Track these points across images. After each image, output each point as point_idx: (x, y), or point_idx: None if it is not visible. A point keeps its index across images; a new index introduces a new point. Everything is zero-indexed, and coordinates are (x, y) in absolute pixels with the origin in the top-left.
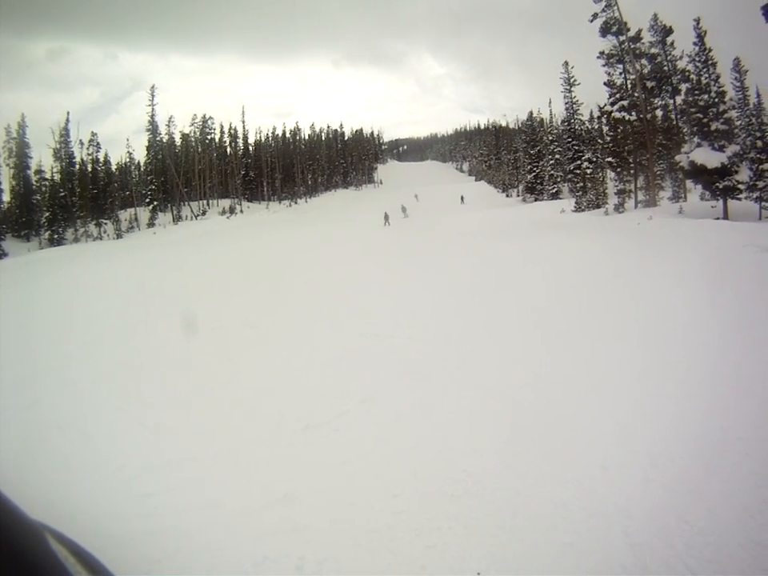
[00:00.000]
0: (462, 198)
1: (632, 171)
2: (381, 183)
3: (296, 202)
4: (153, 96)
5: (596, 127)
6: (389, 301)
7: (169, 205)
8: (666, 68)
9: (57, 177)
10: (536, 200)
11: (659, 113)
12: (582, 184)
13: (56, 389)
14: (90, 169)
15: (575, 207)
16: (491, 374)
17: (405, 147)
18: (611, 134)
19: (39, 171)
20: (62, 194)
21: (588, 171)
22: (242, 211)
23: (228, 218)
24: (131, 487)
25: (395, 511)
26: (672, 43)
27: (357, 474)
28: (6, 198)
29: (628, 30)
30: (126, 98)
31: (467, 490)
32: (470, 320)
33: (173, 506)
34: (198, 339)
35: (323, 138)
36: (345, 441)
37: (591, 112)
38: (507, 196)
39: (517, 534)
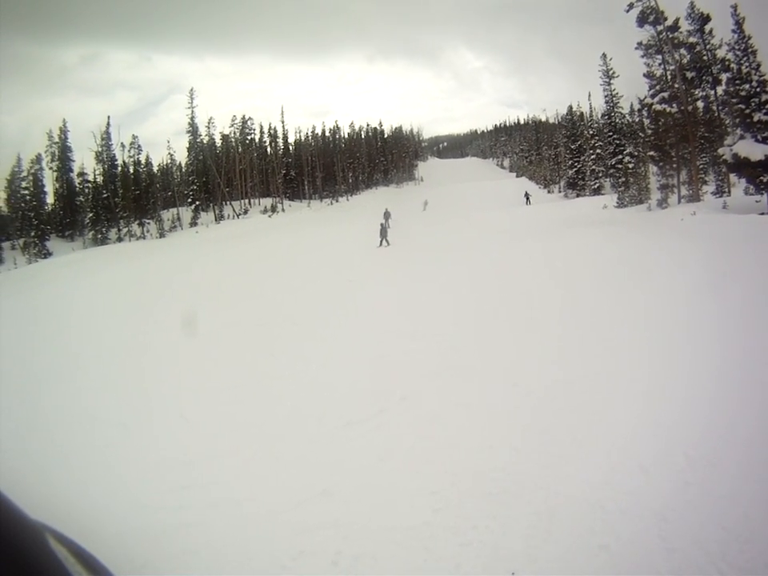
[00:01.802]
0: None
1: (674, 165)
2: (422, 180)
3: (337, 200)
4: (192, 99)
5: (637, 120)
6: (427, 301)
7: (211, 204)
8: (705, 57)
9: (99, 179)
10: (578, 196)
11: (700, 104)
12: (623, 179)
13: (97, 382)
14: (131, 170)
15: (617, 203)
16: (529, 372)
17: (445, 144)
18: (652, 126)
19: (82, 174)
20: (105, 195)
21: (630, 166)
22: (283, 210)
23: (270, 216)
24: (170, 480)
25: (433, 509)
26: (710, 31)
27: (396, 471)
28: (50, 200)
29: (665, 19)
30: (162, 101)
31: (505, 489)
32: (509, 319)
33: (211, 498)
34: (243, 335)
35: (363, 136)
36: (385, 438)
37: (632, 105)
38: (549, 192)
39: (553, 535)
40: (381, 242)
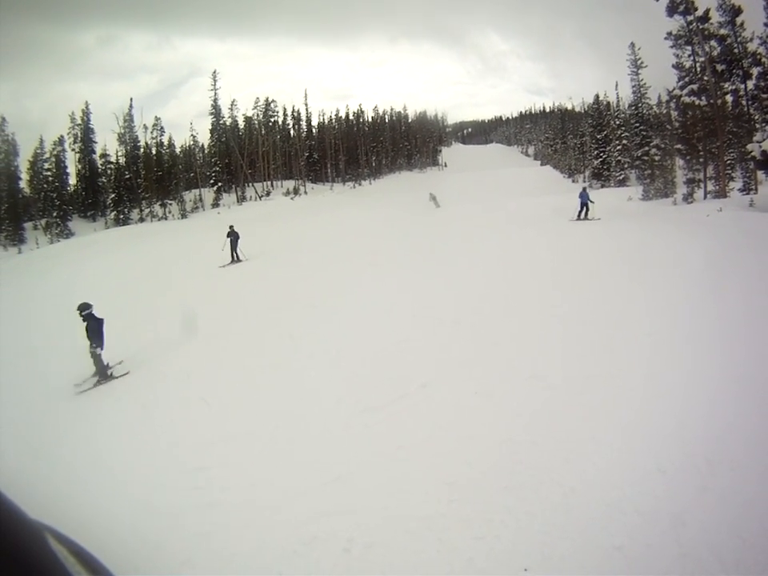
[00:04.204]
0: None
1: (701, 160)
2: (445, 166)
3: (360, 184)
4: (215, 81)
5: (664, 112)
6: (451, 286)
7: (233, 186)
8: (736, 50)
9: (122, 160)
10: (602, 186)
11: (729, 98)
12: (649, 171)
13: (133, 354)
14: (154, 152)
15: (643, 195)
16: (550, 366)
17: (469, 130)
18: (680, 119)
19: (104, 155)
20: (127, 176)
21: (656, 158)
22: (305, 192)
23: (292, 198)
24: (187, 460)
25: (448, 499)
26: (742, 24)
27: (412, 460)
28: (73, 181)
29: (695, 9)
30: (184, 83)
31: (522, 483)
32: (536, 309)
33: (226, 480)
34: (261, 318)
35: (386, 120)
36: (402, 425)
37: (659, 96)
38: (573, 182)
39: (568, 533)
40: None
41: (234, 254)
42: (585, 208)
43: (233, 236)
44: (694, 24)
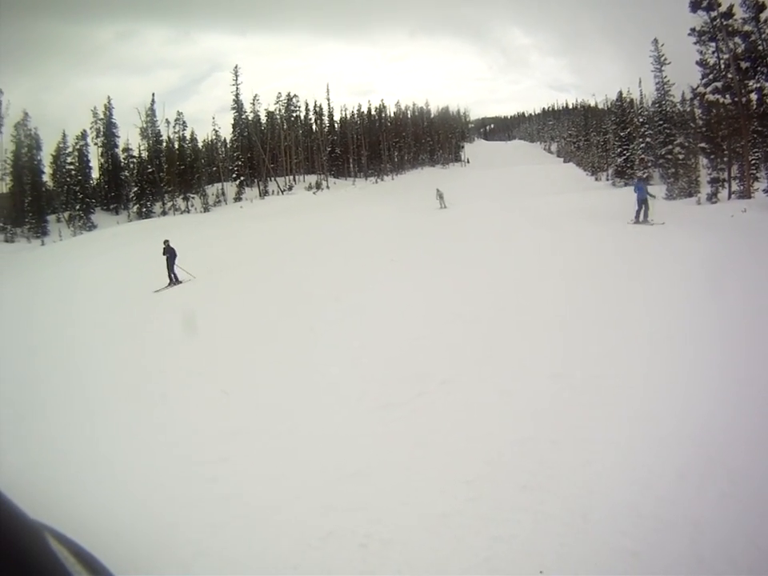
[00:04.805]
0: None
1: (725, 159)
2: (468, 162)
3: (382, 179)
4: (236, 76)
5: (688, 110)
6: (464, 286)
7: (255, 180)
8: (760, 47)
9: (144, 154)
10: (626, 185)
11: (754, 96)
12: (673, 170)
13: (138, 350)
14: (176, 146)
15: (666, 195)
16: (572, 365)
17: (492, 126)
18: (704, 117)
19: (127, 149)
20: (150, 170)
21: (680, 157)
22: (328, 187)
23: (314, 193)
24: (205, 451)
25: (466, 498)
26: (766, 20)
27: (431, 457)
28: (95, 174)
29: (719, 5)
30: (205, 78)
31: (541, 484)
32: (561, 307)
33: (243, 473)
34: (285, 310)
35: (409, 116)
36: (421, 422)
37: (683, 93)
38: (596, 179)
39: (585, 535)
40: None
41: (172, 275)
42: (644, 206)
43: (168, 253)
44: (718, 20)
